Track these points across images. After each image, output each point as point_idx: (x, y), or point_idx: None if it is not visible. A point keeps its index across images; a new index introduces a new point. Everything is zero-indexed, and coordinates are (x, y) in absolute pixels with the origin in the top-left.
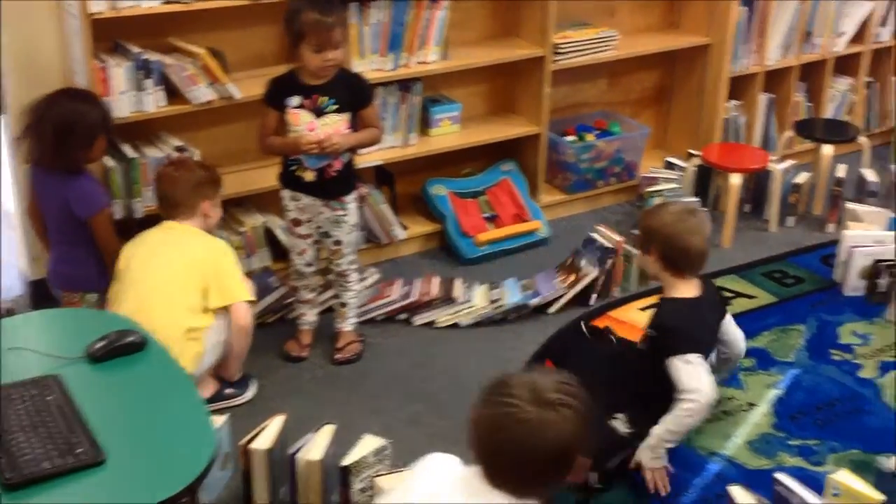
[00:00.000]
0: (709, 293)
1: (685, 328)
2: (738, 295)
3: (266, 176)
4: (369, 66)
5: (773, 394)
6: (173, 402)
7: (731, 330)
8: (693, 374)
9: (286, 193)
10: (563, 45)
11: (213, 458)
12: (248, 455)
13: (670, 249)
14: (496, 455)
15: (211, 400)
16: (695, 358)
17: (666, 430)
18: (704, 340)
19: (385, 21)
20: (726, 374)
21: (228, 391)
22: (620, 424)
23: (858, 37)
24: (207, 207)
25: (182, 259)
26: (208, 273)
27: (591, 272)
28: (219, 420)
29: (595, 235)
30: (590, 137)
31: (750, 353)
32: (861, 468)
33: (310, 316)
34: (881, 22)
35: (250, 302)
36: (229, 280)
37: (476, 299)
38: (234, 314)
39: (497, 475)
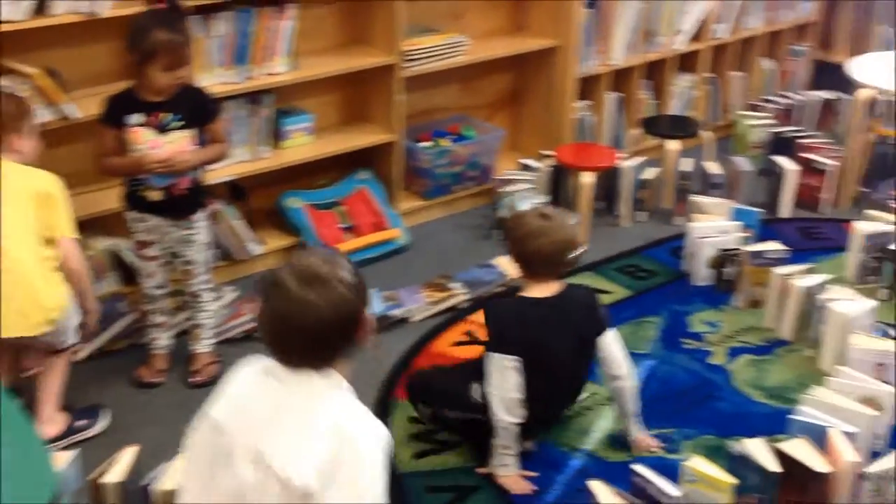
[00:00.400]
0: (568, 299)
1: (498, 327)
2: (596, 291)
3: (111, 197)
4: (216, 79)
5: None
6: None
7: (608, 348)
8: (493, 374)
9: (132, 215)
10: (412, 52)
11: (53, 500)
12: (99, 490)
13: (521, 252)
14: (280, 340)
15: (62, 436)
16: (499, 359)
17: (494, 437)
18: (527, 343)
19: (230, 33)
20: (623, 406)
21: (79, 423)
22: (475, 391)
23: (698, 34)
24: (16, 141)
25: (7, 190)
26: (33, 202)
27: (460, 293)
28: (66, 456)
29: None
30: (445, 143)
31: None
32: (714, 453)
33: (163, 340)
34: (718, 19)
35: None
36: (55, 213)
37: None
38: (63, 252)
39: (289, 358)
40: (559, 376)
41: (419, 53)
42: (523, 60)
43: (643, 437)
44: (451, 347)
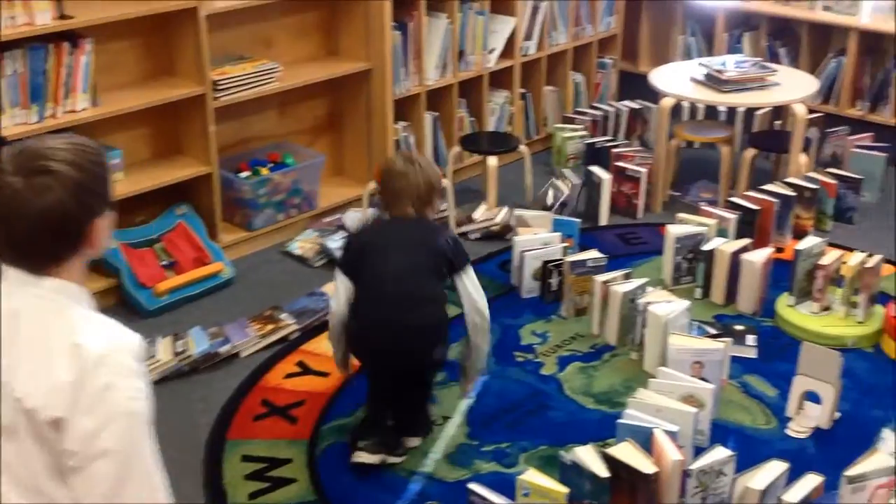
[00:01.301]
0: (427, 230)
1: (346, 242)
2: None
3: None
4: (12, 120)
5: (466, 403)
6: None
7: (461, 286)
8: (333, 285)
9: None
10: (222, 82)
11: None
12: None
13: (385, 191)
14: None
15: None
16: (337, 274)
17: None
18: (370, 256)
19: (22, 72)
20: (472, 339)
21: None
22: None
23: (508, 52)
24: None
25: None
26: None
27: (290, 324)
28: None
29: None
30: (264, 171)
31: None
32: (550, 463)
33: None
34: (526, 36)
35: None
36: None
37: (160, 353)
38: None
39: (3, 256)
40: (393, 290)
41: (230, 82)
42: (339, 84)
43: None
44: (284, 380)
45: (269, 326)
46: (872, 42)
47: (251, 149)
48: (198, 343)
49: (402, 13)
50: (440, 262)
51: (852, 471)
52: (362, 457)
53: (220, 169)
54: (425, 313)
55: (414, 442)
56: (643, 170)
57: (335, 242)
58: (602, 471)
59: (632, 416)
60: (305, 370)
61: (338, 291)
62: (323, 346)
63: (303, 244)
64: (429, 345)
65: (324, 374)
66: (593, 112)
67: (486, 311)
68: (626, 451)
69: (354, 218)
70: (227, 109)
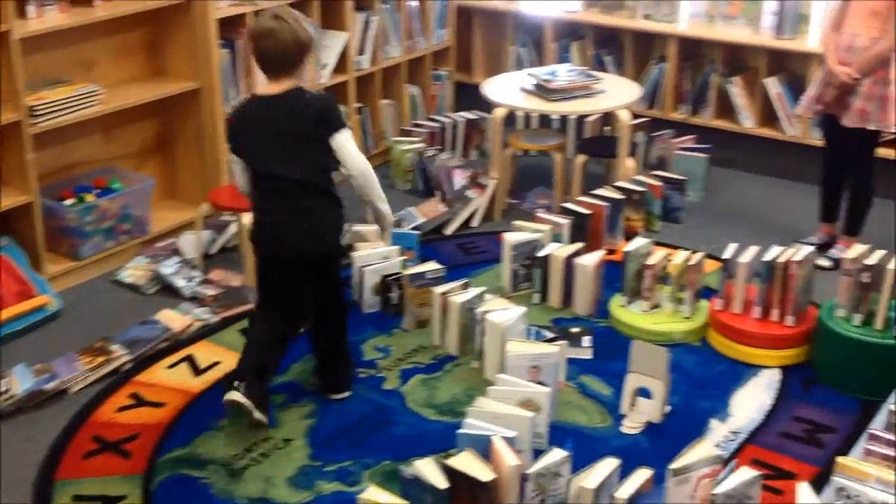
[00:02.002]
0: (294, 98)
1: (231, 122)
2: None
3: None
4: None
5: (307, 424)
6: None
7: (338, 148)
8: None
9: None
10: (39, 107)
11: None
12: None
13: (254, 50)
14: None
15: None
16: (231, 156)
17: None
18: (246, 136)
19: None
20: (369, 203)
21: None
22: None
23: (341, 66)
24: None
25: None
26: None
27: (121, 355)
28: None
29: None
30: (90, 198)
31: (281, 387)
32: (393, 479)
33: None
34: (359, 51)
35: None
36: None
37: None
38: None
39: None
40: (277, 175)
41: (47, 107)
42: (167, 105)
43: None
44: (116, 414)
45: (100, 359)
46: (691, 48)
47: (76, 175)
48: (22, 381)
49: (230, 31)
50: (315, 130)
51: (676, 463)
52: (235, 395)
53: (42, 197)
54: (313, 205)
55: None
56: (494, 179)
57: (169, 268)
58: (441, 482)
59: (471, 425)
60: (139, 402)
61: (236, 174)
62: (158, 375)
63: (134, 271)
64: (320, 238)
65: (159, 405)
66: (430, 124)
67: (366, 169)
68: (466, 461)
69: (189, 241)
70: (46, 135)
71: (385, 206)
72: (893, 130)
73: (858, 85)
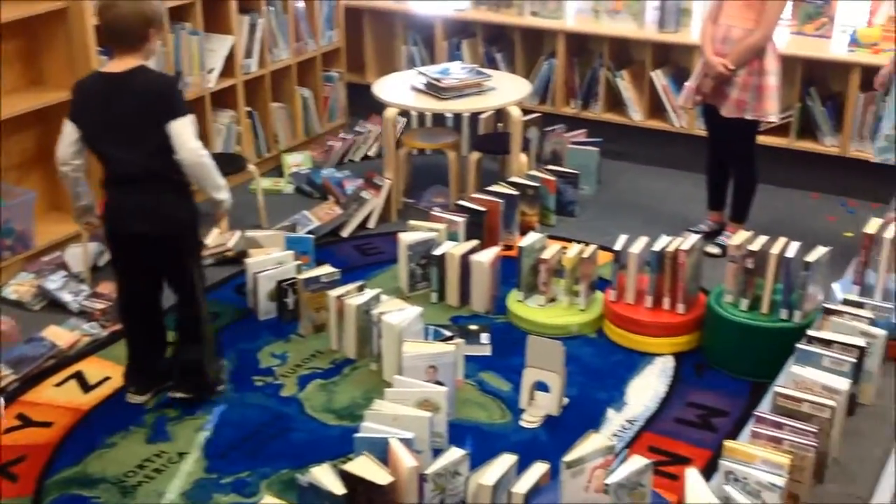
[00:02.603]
0: (138, 78)
1: (71, 98)
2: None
3: None
4: None
5: (203, 437)
6: None
7: (174, 134)
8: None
9: None
10: None
11: None
12: None
13: (101, 23)
14: None
15: None
16: (66, 124)
17: None
18: (84, 112)
19: None
20: (205, 192)
21: None
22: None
23: (228, 70)
24: None
25: None
26: None
27: (6, 375)
28: None
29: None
30: None
31: (169, 401)
32: (291, 487)
33: None
34: (246, 54)
35: None
36: None
37: None
38: None
39: None
40: (114, 157)
41: None
42: (47, 115)
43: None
44: (2, 436)
45: None
46: (579, 43)
47: None
48: None
49: None
50: (153, 113)
51: (570, 456)
52: (134, 398)
53: None
54: (151, 189)
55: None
56: (388, 180)
57: (54, 283)
58: (338, 488)
59: (368, 428)
60: (26, 422)
61: (62, 137)
62: (45, 394)
63: (18, 287)
64: (154, 221)
65: (47, 425)
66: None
67: (197, 159)
68: (362, 465)
69: (76, 254)
70: None
71: (220, 194)
72: (771, 120)
73: (734, 75)
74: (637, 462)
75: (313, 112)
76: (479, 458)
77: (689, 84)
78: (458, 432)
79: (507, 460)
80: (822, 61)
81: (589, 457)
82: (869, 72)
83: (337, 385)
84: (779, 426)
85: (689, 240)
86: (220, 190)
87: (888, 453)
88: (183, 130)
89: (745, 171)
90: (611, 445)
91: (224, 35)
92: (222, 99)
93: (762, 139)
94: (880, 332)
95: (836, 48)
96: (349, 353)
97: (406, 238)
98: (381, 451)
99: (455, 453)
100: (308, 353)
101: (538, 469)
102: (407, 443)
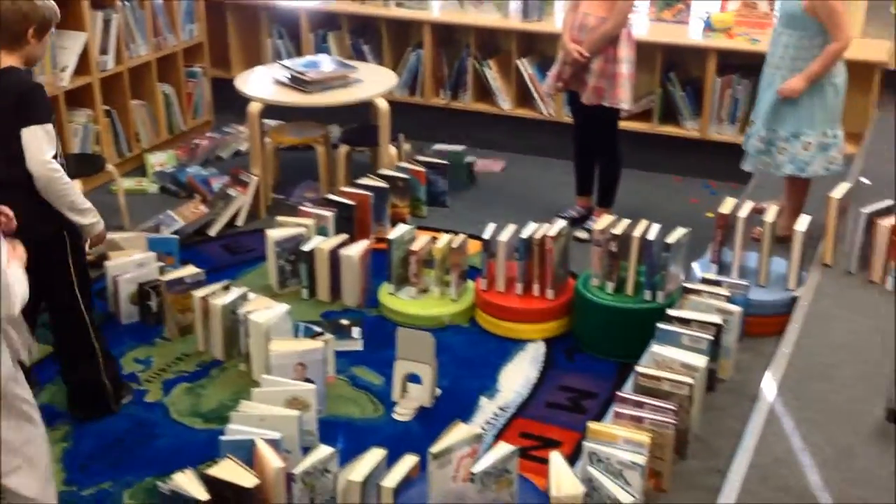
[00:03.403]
0: (2, 79)
1: None
2: (38, 85)
3: None
4: None
5: (62, 448)
6: None
7: (24, 144)
8: None
9: None
10: None
11: None
12: None
13: None
14: None
15: None
16: None
17: None
18: None
19: None
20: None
21: None
22: None
23: (83, 68)
24: None
25: None
26: None
27: None
28: None
29: None
30: None
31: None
32: (155, 496)
33: None
34: (102, 51)
35: None
36: None
37: None
38: None
39: None
40: None
41: None
42: None
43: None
44: None
45: None
46: (445, 34)
47: None
48: None
49: None
50: (11, 118)
51: (437, 447)
52: None
53: None
54: (13, 198)
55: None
56: (255, 176)
57: None
58: (202, 494)
59: (234, 430)
60: None
61: None
62: None
63: None
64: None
65: None
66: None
67: (45, 173)
68: (227, 469)
69: None
70: None
71: (81, 218)
72: (625, 108)
73: (590, 63)
74: (503, 449)
75: (177, 109)
76: (351, 454)
77: (552, 71)
78: (330, 429)
79: (376, 455)
80: (681, 47)
81: (456, 446)
82: (725, 56)
83: (204, 388)
84: (639, 405)
85: (556, 226)
86: (82, 214)
87: (746, 426)
88: (32, 139)
89: (610, 157)
90: (478, 434)
91: (77, 32)
92: (78, 98)
93: (626, 124)
94: (736, 309)
95: (693, 34)
96: (217, 354)
97: (274, 235)
98: (247, 453)
99: (323, 451)
100: (173, 357)
101: (407, 462)
102: (274, 443)
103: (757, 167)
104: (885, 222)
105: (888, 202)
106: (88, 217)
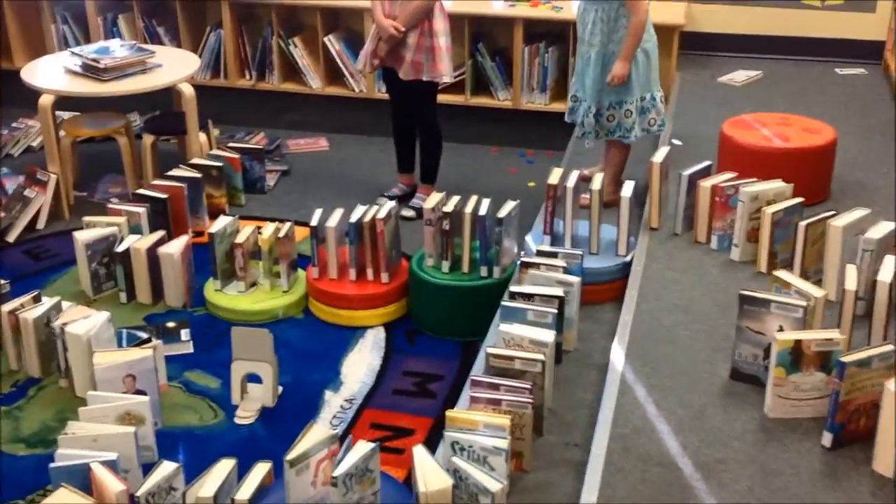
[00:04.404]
0: None
1: None
2: None
3: None
4: None
5: None
6: None
7: None
8: None
9: None
10: None
11: None
12: None
13: None
14: None
15: None
16: None
17: None
18: None
19: None
20: None
21: None
22: None
23: None
24: None
25: None
26: None
27: None
28: None
29: None
30: None
31: None
32: None
33: None
34: None
35: None
36: None
37: None
38: None
39: None
40: None
41: None
42: None
43: None
44: None
45: None
46: (244, 11)
47: None
48: None
49: None
50: None
51: (292, 453)
52: None
53: None
54: None
55: None
56: (53, 174)
57: None
58: None
59: (65, 455)
60: None
61: None
62: None
63: None
64: None
65: None
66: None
67: None
68: (64, 498)
69: None
70: None
71: None
72: (445, 80)
73: (406, 37)
74: (362, 448)
75: None
76: (195, 466)
77: (366, 48)
78: (170, 441)
79: (225, 466)
80: (487, 17)
81: (312, 450)
82: (531, 25)
83: (23, 410)
84: (495, 387)
85: (385, 207)
86: None
87: (596, 396)
88: None
89: (430, 132)
90: (333, 435)
91: None
92: None
93: (440, 98)
94: (576, 280)
95: (497, 4)
96: (33, 371)
97: (83, 236)
98: (82, 478)
99: (167, 467)
100: None
101: (260, 470)
102: (111, 464)
103: (591, 138)
104: (706, 183)
105: (707, 163)
106: None
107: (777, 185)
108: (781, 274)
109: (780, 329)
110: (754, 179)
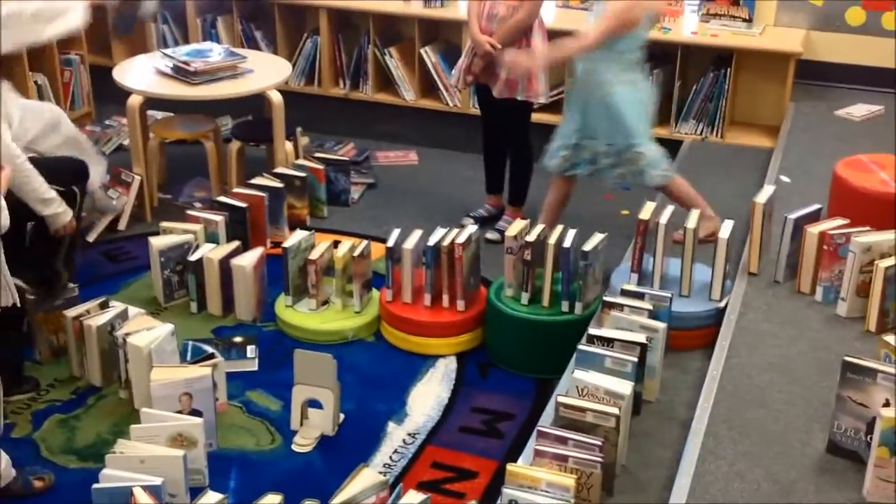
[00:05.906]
0: None
1: None
2: None
3: None
4: None
5: None
6: None
7: None
8: None
9: None
10: None
11: None
12: None
13: None
14: None
15: None
16: None
17: None
18: None
19: None
20: None
21: None
22: None
23: None
24: None
25: None
26: None
27: None
28: None
29: None
30: None
31: None
32: None
33: None
34: None
35: None
36: None
37: None
38: None
39: None
40: None
41: None
42: None
43: None
44: None
45: None
46: (343, 20)
47: None
48: None
49: None
50: None
51: (338, 498)
52: None
53: None
54: None
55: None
56: (138, 175)
57: None
58: None
59: (110, 476)
60: None
61: None
62: None
63: None
64: None
65: None
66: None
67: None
68: None
69: None
70: None
71: (44, 209)
72: (541, 100)
73: (502, 54)
74: (413, 498)
75: (51, 99)
76: (245, 493)
77: (461, 63)
78: (222, 464)
79: (271, 501)
80: None
81: (360, 496)
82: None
83: (80, 420)
84: (563, 441)
85: (466, 231)
86: (46, 204)
87: (675, 454)
88: None
89: (521, 153)
90: (384, 481)
91: None
92: None
93: (535, 117)
94: (661, 326)
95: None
96: (94, 379)
97: (158, 243)
98: (124, 501)
99: (212, 498)
100: (45, 384)
101: None
102: (154, 490)
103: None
104: (814, 229)
105: (816, 206)
106: (55, 206)
107: (893, 236)
108: (892, 339)
109: (887, 403)
110: (868, 228)
